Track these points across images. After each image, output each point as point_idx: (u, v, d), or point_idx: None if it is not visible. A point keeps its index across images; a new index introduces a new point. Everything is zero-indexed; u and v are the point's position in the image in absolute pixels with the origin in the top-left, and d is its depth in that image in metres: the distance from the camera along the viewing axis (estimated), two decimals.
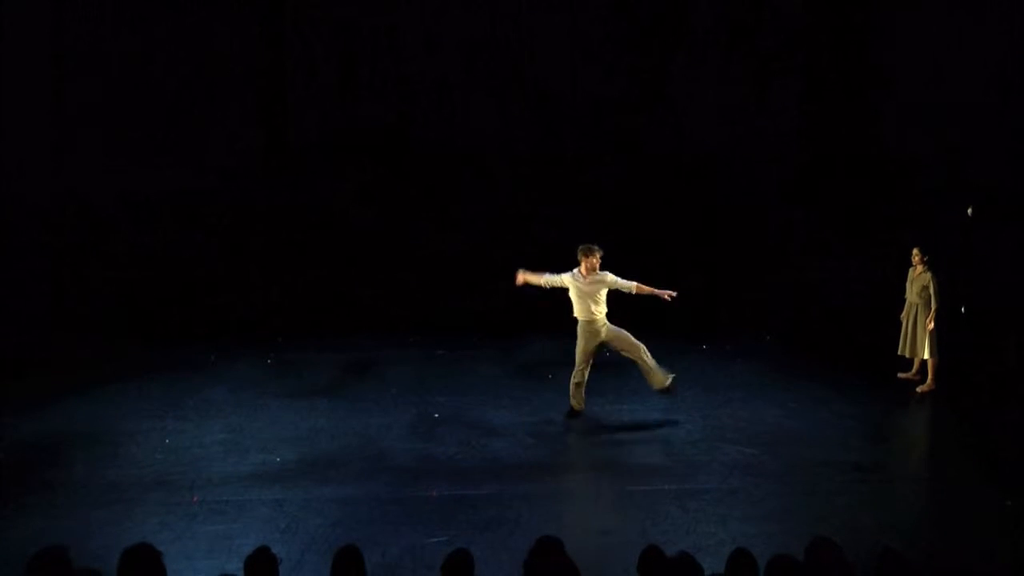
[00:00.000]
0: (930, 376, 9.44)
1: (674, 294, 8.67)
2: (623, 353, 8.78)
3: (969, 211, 11.75)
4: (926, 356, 9.42)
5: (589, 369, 8.74)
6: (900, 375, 9.80)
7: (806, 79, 13.21)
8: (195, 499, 7.01)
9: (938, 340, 9.37)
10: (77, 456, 7.87)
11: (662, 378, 8.68)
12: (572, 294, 8.62)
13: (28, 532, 6.33)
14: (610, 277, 8.56)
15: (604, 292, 8.57)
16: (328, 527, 6.56)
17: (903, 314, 9.67)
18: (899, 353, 9.70)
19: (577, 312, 8.63)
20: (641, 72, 13.23)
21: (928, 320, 9.34)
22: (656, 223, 12.74)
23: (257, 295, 12.21)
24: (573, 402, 8.78)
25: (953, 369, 9.64)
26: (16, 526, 6.57)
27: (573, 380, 8.75)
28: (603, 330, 8.62)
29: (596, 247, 8.56)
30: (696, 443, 8.14)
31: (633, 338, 8.67)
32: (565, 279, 8.61)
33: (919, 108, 12.45)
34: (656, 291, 8.63)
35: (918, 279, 9.51)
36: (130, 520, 6.66)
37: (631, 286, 8.57)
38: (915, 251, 9.56)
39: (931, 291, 9.33)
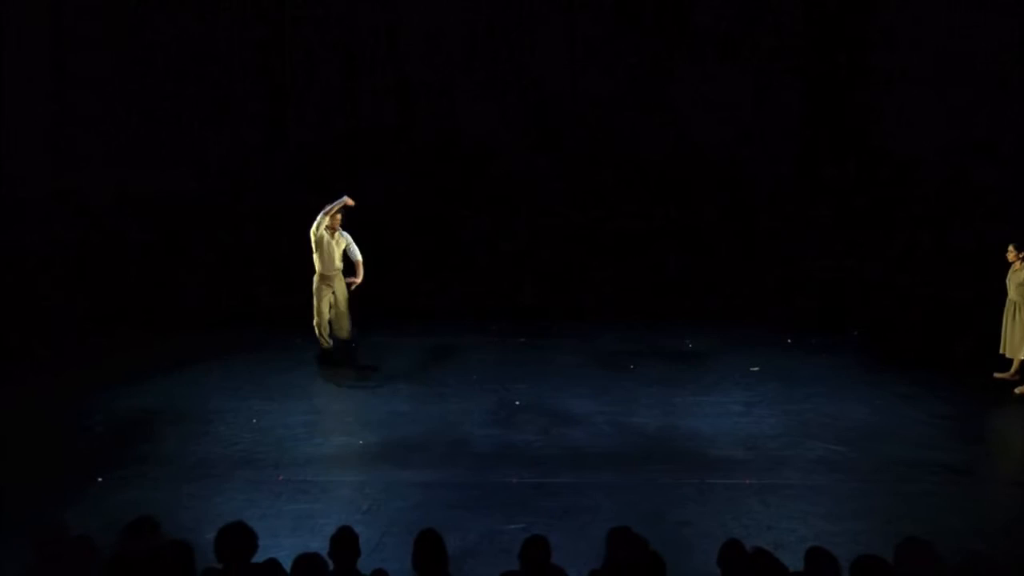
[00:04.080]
0: None
1: (357, 281, 9.84)
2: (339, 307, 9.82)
3: None
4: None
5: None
6: (996, 375, 9.44)
7: (806, 79, 13.11)
8: (280, 478, 7.19)
9: None
10: (169, 432, 8.14)
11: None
12: (324, 245, 9.62)
13: (124, 502, 6.58)
14: (348, 238, 9.79)
15: (341, 249, 9.76)
16: (408, 510, 6.65)
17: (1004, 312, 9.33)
18: (1000, 352, 9.36)
19: (328, 265, 9.68)
20: (641, 72, 13.18)
21: None
22: (655, 223, 12.77)
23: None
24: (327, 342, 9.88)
25: None
26: (113, 495, 6.84)
27: (324, 327, 9.79)
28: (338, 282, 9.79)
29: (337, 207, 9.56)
30: (778, 438, 8.01)
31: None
32: (321, 229, 9.59)
33: (919, 108, 12.42)
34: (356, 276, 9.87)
35: (1015, 276, 9.17)
36: (218, 496, 6.87)
37: (357, 258, 9.85)
38: (1011, 248, 9.20)
39: None
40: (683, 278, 12.41)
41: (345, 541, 4.58)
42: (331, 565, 4.46)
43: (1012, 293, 9.19)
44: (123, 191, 12.74)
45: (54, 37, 12.77)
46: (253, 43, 13.18)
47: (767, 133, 13.17)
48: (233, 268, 12.46)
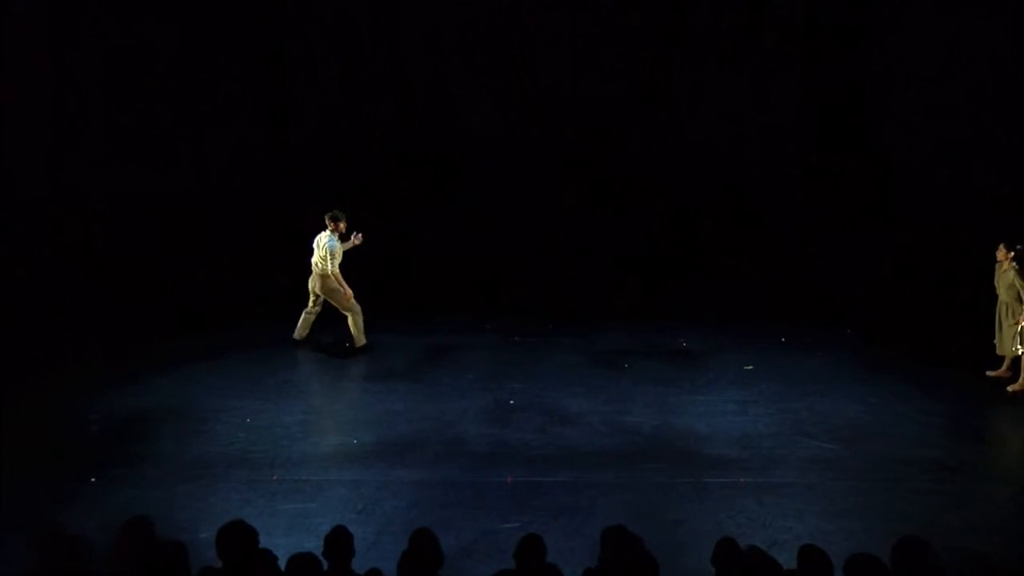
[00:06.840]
0: (1022, 374, 9.10)
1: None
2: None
3: None
4: (1016, 353, 9.08)
5: None
6: (989, 373, 9.47)
7: (806, 79, 13.19)
8: (274, 477, 7.19)
9: None
10: (164, 431, 8.13)
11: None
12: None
13: (120, 501, 6.60)
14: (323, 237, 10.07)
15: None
16: (404, 509, 6.67)
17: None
18: (998, 352, 9.37)
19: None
20: (641, 73, 13.25)
21: (1020, 316, 9.00)
22: (655, 223, 12.87)
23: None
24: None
25: None
26: (109, 495, 6.84)
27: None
28: None
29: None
30: (774, 436, 8.02)
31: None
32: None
33: (919, 108, 12.52)
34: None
35: (1003, 276, 9.16)
36: (214, 495, 6.87)
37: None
38: (1000, 247, 9.19)
39: (1017, 288, 8.99)
40: (680, 278, 12.46)
41: (340, 541, 4.59)
42: (326, 565, 4.46)
43: (1002, 293, 9.20)
44: (123, 191, 12.71)
45: (54, 37, 12.70)
46: (253, 43, 13.15)
47: (767, 133, 13.20)
48: (233, 268, 12.44)
